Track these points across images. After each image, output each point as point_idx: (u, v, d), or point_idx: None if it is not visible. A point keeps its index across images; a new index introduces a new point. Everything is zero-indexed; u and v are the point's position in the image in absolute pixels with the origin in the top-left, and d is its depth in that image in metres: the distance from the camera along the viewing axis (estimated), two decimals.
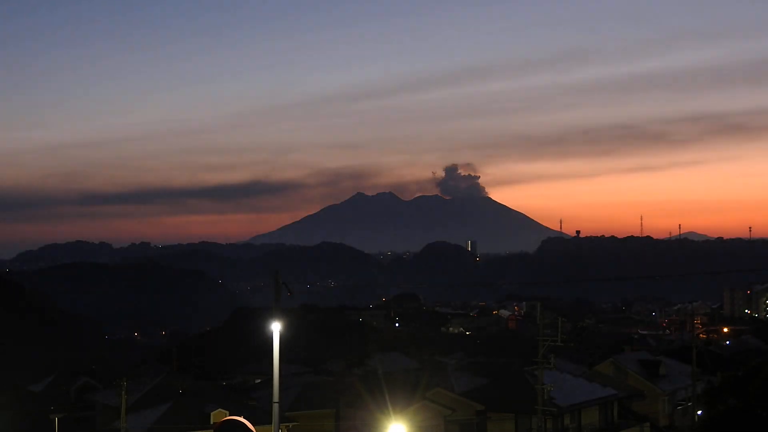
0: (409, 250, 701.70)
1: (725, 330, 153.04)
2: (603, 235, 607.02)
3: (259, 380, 75.07)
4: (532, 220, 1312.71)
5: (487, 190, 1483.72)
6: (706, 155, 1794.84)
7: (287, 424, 52.37)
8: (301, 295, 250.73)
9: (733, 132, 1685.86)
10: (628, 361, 73.95)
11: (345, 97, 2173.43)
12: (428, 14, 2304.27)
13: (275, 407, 31.39)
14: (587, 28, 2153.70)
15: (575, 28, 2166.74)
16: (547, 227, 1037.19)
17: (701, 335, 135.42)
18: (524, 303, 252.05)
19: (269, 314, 31.18)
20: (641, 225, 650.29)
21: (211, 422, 49.09)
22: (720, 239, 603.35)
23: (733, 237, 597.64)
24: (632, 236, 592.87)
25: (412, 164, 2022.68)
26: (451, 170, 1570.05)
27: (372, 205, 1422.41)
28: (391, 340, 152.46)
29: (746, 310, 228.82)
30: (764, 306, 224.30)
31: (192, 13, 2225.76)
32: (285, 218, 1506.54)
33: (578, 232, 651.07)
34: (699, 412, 58.58)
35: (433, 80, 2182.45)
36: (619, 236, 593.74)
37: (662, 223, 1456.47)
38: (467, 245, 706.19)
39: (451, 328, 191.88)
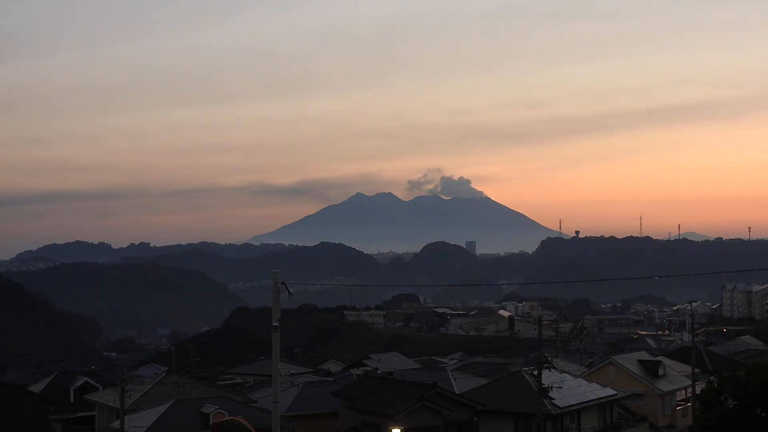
0: (408, 250, 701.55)
1: (725, 330, 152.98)
2: (603, 235, 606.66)
3: (258, 380, 75.12)
4: (532, 220, 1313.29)
5: (486, 190, 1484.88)
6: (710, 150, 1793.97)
7: (286, 424, 52.36)
8: (301, 295, 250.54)
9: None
10: (627, 362, 73.86)
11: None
12: None
13: (275, 407, 31.39)
14: None
15: None
16: (546, 227, 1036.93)
17: (701, 336, 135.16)
18: (524, 303, 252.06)
19: (268, 315, 31.18)
20: (641, 225, 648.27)
21: (211, 423, 49.07)
22: (720, 239, 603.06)
23: (732, 237, 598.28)
24: (632, 236, 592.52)
25: (411, 164, 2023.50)
26: (450, 170, 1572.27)
27: (371, 205, 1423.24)
28: (390, 341, 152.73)
29: (746, 310, 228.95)
30: (764, 306, 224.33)
31: None
32: (285, 218, 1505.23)
33: (578, 232, 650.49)
34: (698, 413, 58.58)
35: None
36: (618, 236, 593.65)
37: (662, 223, 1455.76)
38: (466, 245, 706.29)
39: (450, 329, 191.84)
